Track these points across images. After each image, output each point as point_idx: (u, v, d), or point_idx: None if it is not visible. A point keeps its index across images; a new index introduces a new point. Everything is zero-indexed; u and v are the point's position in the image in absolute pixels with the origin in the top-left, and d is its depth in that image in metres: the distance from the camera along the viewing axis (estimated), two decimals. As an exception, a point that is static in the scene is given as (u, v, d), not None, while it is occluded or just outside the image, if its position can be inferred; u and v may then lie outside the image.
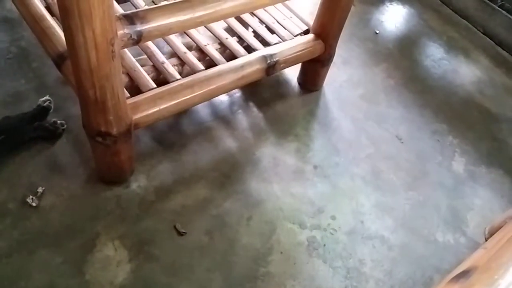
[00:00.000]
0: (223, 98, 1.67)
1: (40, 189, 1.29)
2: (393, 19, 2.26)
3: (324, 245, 1.32)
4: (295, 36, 1.62)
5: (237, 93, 1.71)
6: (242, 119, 1.63)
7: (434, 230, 1.42)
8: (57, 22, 1.35)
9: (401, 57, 2.04)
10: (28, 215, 1.24)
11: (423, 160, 1.63)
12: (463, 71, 2.05)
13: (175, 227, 1.28)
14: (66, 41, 1.00)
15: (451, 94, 1.92)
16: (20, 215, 1.24)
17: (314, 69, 1.72)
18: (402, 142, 1.67)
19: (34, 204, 1.26)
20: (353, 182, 1.50)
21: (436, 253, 1.36)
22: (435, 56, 2.10)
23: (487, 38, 2.26)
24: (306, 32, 1.65)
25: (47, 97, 1.44)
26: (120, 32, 1.04)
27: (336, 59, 1.75)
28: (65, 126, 1.43)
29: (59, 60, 1.28)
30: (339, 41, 1.65)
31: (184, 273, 1.20)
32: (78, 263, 1.17)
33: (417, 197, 1.50)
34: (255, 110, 1.67)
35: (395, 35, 2.17)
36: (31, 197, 1.27)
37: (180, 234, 1.27)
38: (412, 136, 1.70)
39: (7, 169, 1.32)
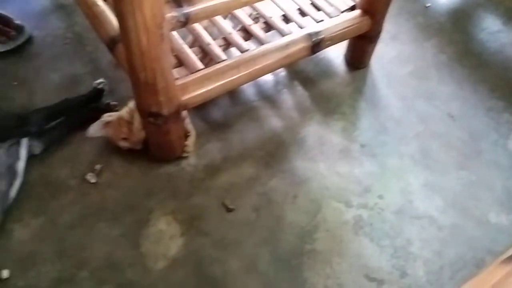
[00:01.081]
0: (268, 77, 1.68)
1: (97, 167, 1.37)
2: (446, -10, 2.15)
3: (371, 224, 1.32)
4: (341, 12, 1.58)
5: (282, 72, 1.71)
6: (287, 98, 1.63)
7: (487, 211, 1.38)
8: (108, 7, 1.41)
9: (454, 31, 1.94)
10: (88, 191, 1.33)
11: (476, 138, 1.56)
12: (523, 44, 1.93)
13: (223, 203, 1.32)
14: (118, 26, 1.04)
15: (509, 68, 1.81)
16: (81, 191, 1.33)
17: (361, 46, 1.68)
18: (454, 120, 1.61)
19: (93, 181, 1.34)
20: (401, 161, 1.48)
21: (489, 234, 1.32)
22: (491, 28, 1.98)
23: (551, 7, 2.10)
24: (352, 8, 1.61)
25: (101, 80, 1.52)
26: (168, 15, 1.07)
27: (384, 35, 1.70)
28: (118, 107, 1.50)
29: (111, 44, 1.34)
30: (387, 16, 1.59)
31: (232, 247, 1.24)
32: (134, 236, 1.25)
33: (469, 176, 1.45)
34: (300, 89, 1.67)
35: (447, 8, 2.06)
36: (90, 174, 1.35)
37: (229, 210, 1.31)
38: (465, 113, 1.64)
39: (67, 148, 1.42)
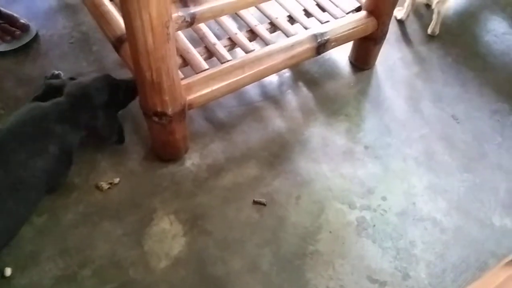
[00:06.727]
0: (273, 78, 1.68)
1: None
2: (452, -8, 2.14)
3: (374, 225, 1.32)
4: (346, 13, 1.58)
5: (286, 73, 1.71)
6: (291, 99, 1.63)
7: (491, 214, 1.37)
8: (115, 7, 1.41)
9: (460, 33, 1.94)
10: (92, 190, 1.33)
11: (481, 141, 1.56)
12: (529, 47, 1.92)
13: (255, 200, 1.33)
14: (124, 25, 1.05)
15: (515, 71, 1.81)
16: (84, 189, 1.33)
17: (366, 47, 1.68)
18: (459, 122, 1.61)
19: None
20: (405, 163, 1.47)
21: (493, 237, 1.32)
22: (498, 31, 1.97)
23: (558, 10, 2.08)
24: (358, 9, 1.61)
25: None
26: (174, 15, 1.08)
27: (390, 36, 1.69)
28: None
29: (117, 44, 1.34)
30: (392, 18, 1.59)
31: (235, 247, 1.24)
32: (137, 236, 1.25)
33: (473, 179, 1.45)
34: (304, 89, 1.67)
35: (453, 10, 2.06)
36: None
37: (261, 204, 1.32)
38: (469, 116, 1.63)
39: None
